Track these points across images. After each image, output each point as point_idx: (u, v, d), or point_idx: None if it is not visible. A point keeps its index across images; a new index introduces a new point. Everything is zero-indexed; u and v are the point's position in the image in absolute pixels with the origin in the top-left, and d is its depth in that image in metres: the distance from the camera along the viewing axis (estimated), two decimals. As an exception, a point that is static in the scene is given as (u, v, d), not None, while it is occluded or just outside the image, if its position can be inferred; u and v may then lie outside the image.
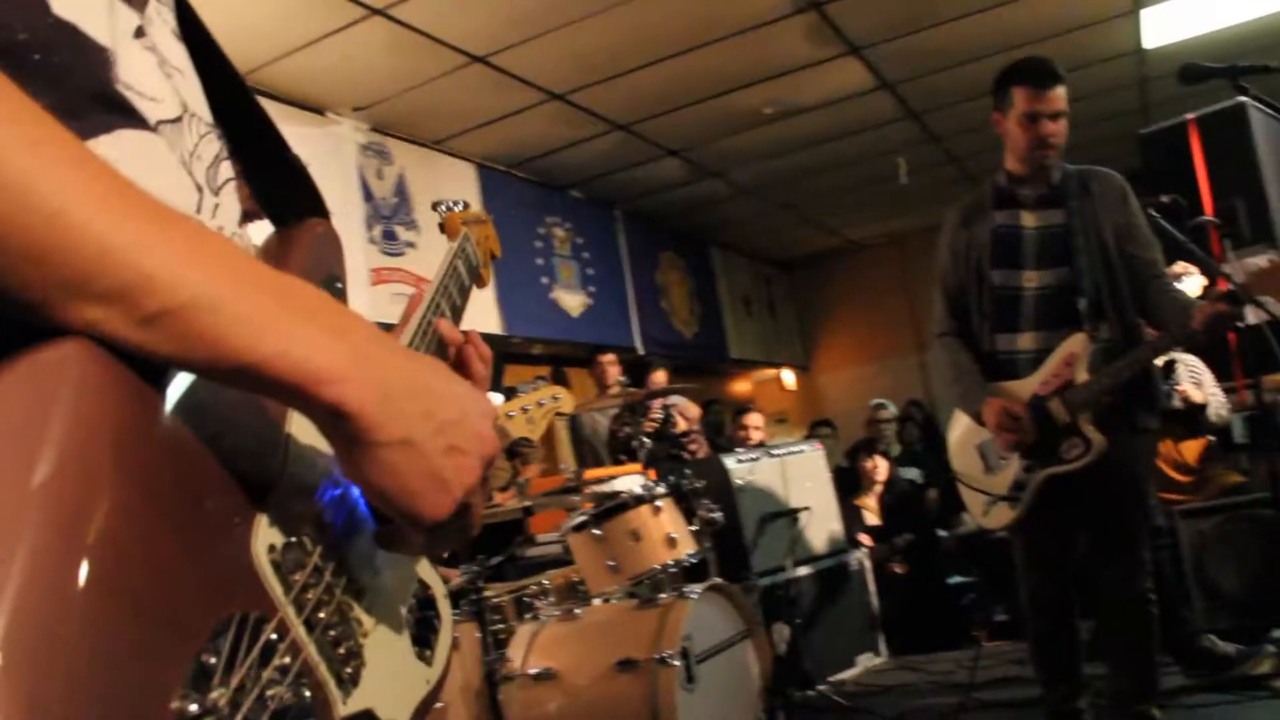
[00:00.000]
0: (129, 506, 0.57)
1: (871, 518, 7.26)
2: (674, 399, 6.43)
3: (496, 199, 7.83)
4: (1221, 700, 3.91)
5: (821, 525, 6.02)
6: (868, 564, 6.30)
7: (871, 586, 6.25)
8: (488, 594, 3.42)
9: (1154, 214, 4.09)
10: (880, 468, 7.30)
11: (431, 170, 7.40)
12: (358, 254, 6.43)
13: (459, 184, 7.62)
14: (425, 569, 0.97)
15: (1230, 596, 4.63)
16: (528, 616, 3.57)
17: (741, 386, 12.99)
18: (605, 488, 4.09)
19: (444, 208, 1.54)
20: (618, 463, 5.44)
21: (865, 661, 5.94)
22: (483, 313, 7.33)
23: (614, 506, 3.56)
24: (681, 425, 6.38)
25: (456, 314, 1.21)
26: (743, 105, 7.60)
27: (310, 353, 0.65)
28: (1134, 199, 3.41)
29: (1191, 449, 5.08)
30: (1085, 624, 3.43)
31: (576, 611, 3.45)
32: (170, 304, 0.60)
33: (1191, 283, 4.74)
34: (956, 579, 7.23)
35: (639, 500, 3.55)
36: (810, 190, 10.02)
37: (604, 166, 8.53)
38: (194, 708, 0.58)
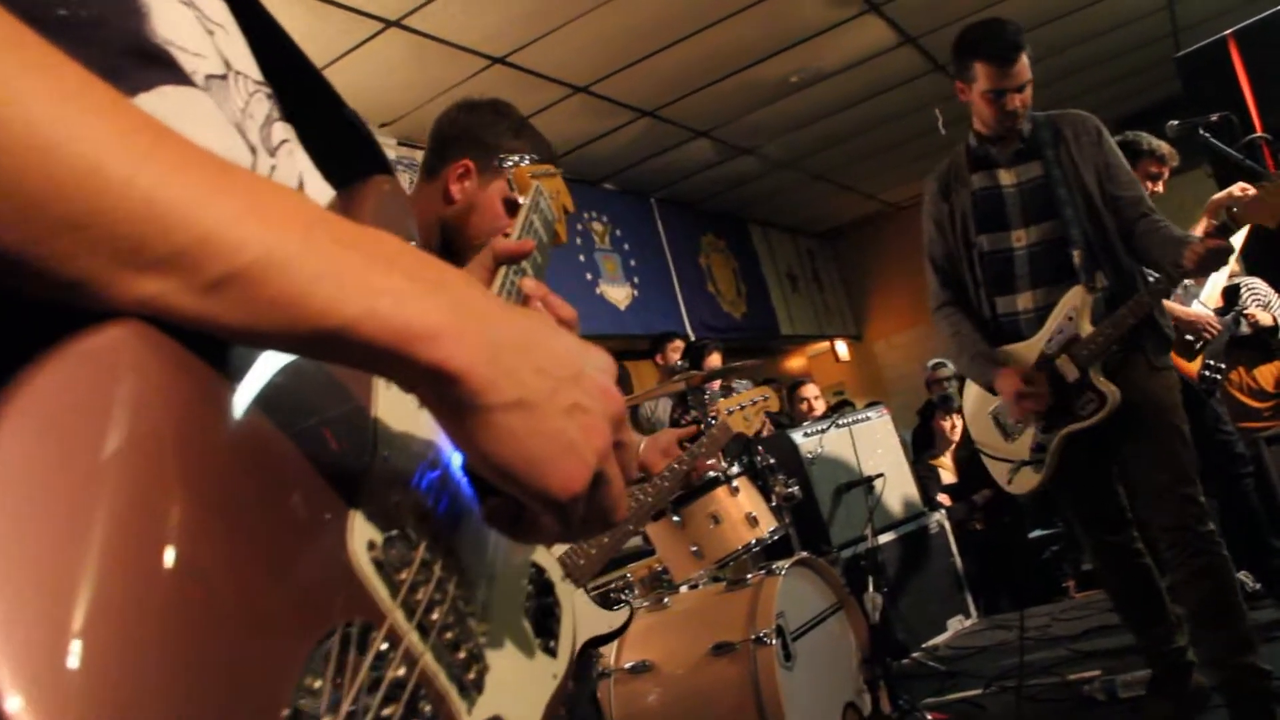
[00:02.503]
0: (204, 514, 0.48)
1: (948, 476, 7.16)
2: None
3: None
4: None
5: (897, 490, 5.95)
6: (948, 525, 6.19)
7: (954, 547, 6.15)
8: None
9: (1206, 134, 3.97)
10: (957, 426, 7.19)
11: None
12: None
13: (492, 189, 7.59)
14: (541, 553, 0.88)
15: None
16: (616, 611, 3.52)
17: (796, 362, 12.90)
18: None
19: (511, 162, 1.46)
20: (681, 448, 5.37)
21: (956, 624, 5.84)
22: (531, 315, 7.29)
23: (691, 491, 3.49)
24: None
25: (539, 273, 1.12)
26: (767, 77, 7.50)
27: (402, 308, 0.55)
28: (1109, 138, 3.31)
29: (1267, 373, 4.94)
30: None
31: (665, 601, 3.40)
32: (235, 265, 0.50)
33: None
34: (1037, 532, 7.12)
35: (715, 482, 3.48)
36: (844, 156, 9.90)
37: (635, 155, 8.47)
38: None
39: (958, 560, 6.13)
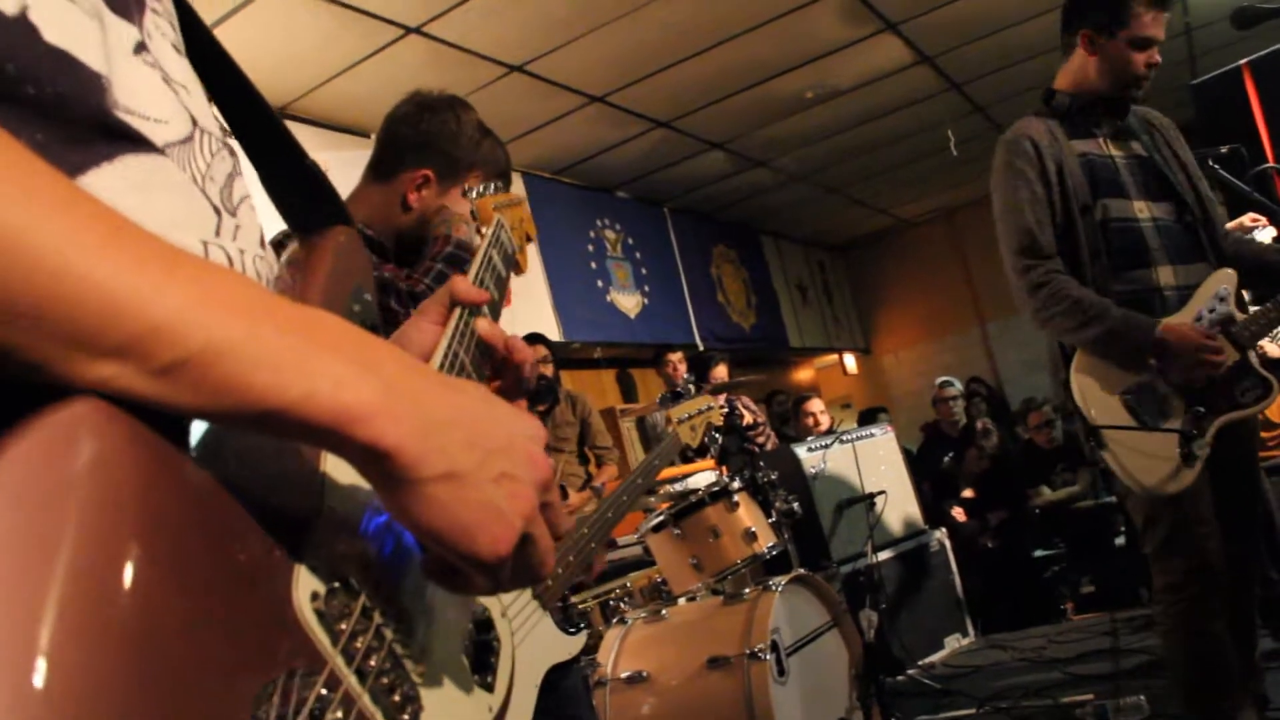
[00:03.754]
0: (157, 568, 0.52)
1: (966, 490, 7.22)
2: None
3: (545, 206, 7.85)
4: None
5: (898, 508, 5.97)
6: (948, 544, 6.22)
7: (954, 566, 6.18)
8: (573, 601, 3.42)
9: (1214, 165, 3.98)
10: (994, 436, 7.24)
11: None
12: (413, 273, 6.45)
13: (507, 194, 7.64)
14: None
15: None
16: (615, 620, 3.56)
17: (804, 374, 12.94)
18: (681, 486, 4.07)
19: (475, 193, 1.47)
20: (688, 461, 5.42)
21: (953, 642, 5.87)
22: (540, 320, 7.35)
23: (691, 505, 3.54)
24: (748, 418, 6.36)
25: (495, 309, 1.16)
26: (783, 92, 7.55)
27: (338, 390, 0.60)
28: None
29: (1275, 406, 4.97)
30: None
31: (663, 612, 3.44)
32: (184, 353, 0.55)
33: (1263, 235, 4.63)
34: (1040, 552, 7.14)
35: (715, 497, 3.52)
36: (857, 171, 9.95)
37: (649, 165, 8.53)
38: None
39: (957, 579, 6.16)
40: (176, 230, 0.70)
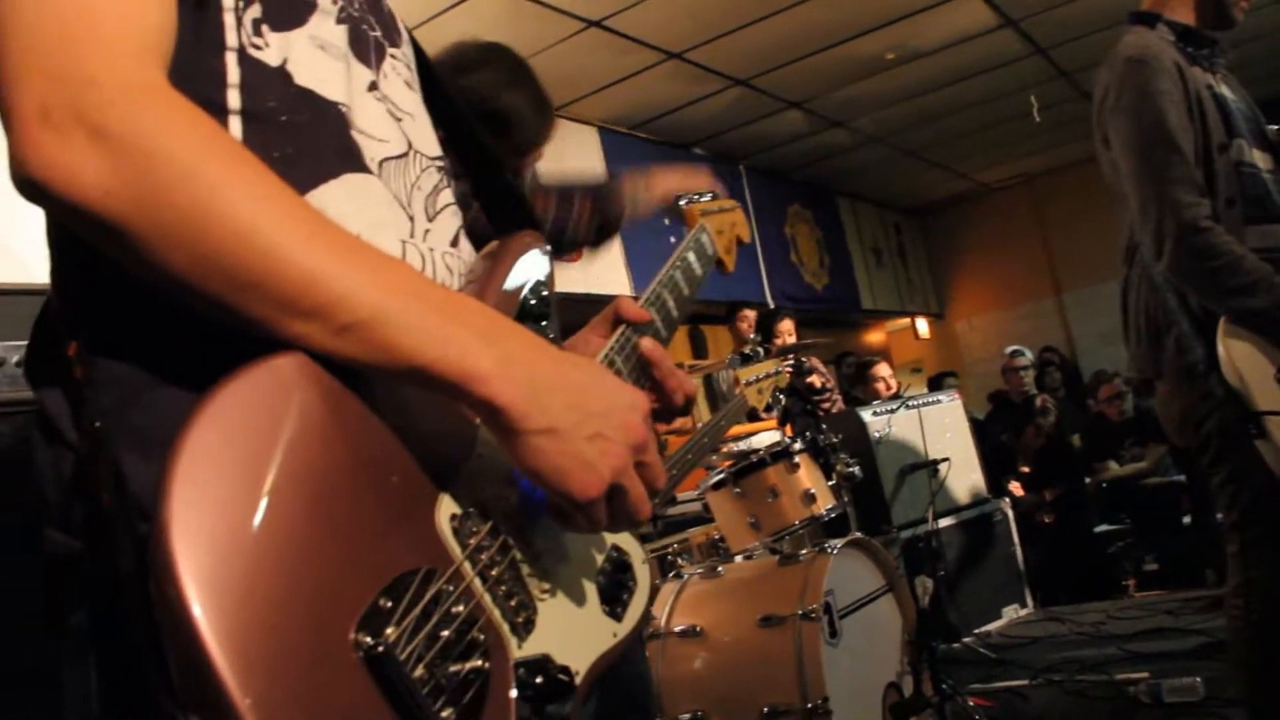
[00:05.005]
0: (338, 477, 0.75)
1: (1024, 464, 7.15)
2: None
3: (619, 161, 7.85)
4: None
5: (962, 476, 5.95)
6: (1011, 514, 6.18)
7: (1016, 537, 6.14)
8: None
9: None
10: (1052, 415, 7.16)
11: (554, 136, 7.46)
12: (487, 223, 6.53)
13: (582, 148, 7.68)
14: (625, 539, 1.08)
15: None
16: (671, 575, 3.62)
17: (875, 337, 12.85)
18: (743, 445, 4.10)
19: (685, 200, 1.58)
20: (755, 420, 5.44)
21: (1011, 613, 5.85)
22: (613, 275, 7.37)
23: (752, 464, 3.57)
24: (817, 381, 6.36)
25: (682, 301, 1.30)
26: (863, 52, 7.46)
27: (463, 356, 0.79)
28: None
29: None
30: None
31: (719, 569, 3.48)
32: (356, 318, 0.75)
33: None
34: (1103, 527, 7.07)
35: (776, 457, 3.55)
36: (937, 134, 9.80)
37: (726, 122, 8.48)
38: (368, 640, 0.71)
39: (1018, 550, 6.12)
40: (380, 231, 0.93)
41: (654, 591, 3.47)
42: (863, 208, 11.86)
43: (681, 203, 1.57)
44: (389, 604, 0.73)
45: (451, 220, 1.08)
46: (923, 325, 12.90)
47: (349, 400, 0.80)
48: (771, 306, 8.86)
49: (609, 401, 0.87)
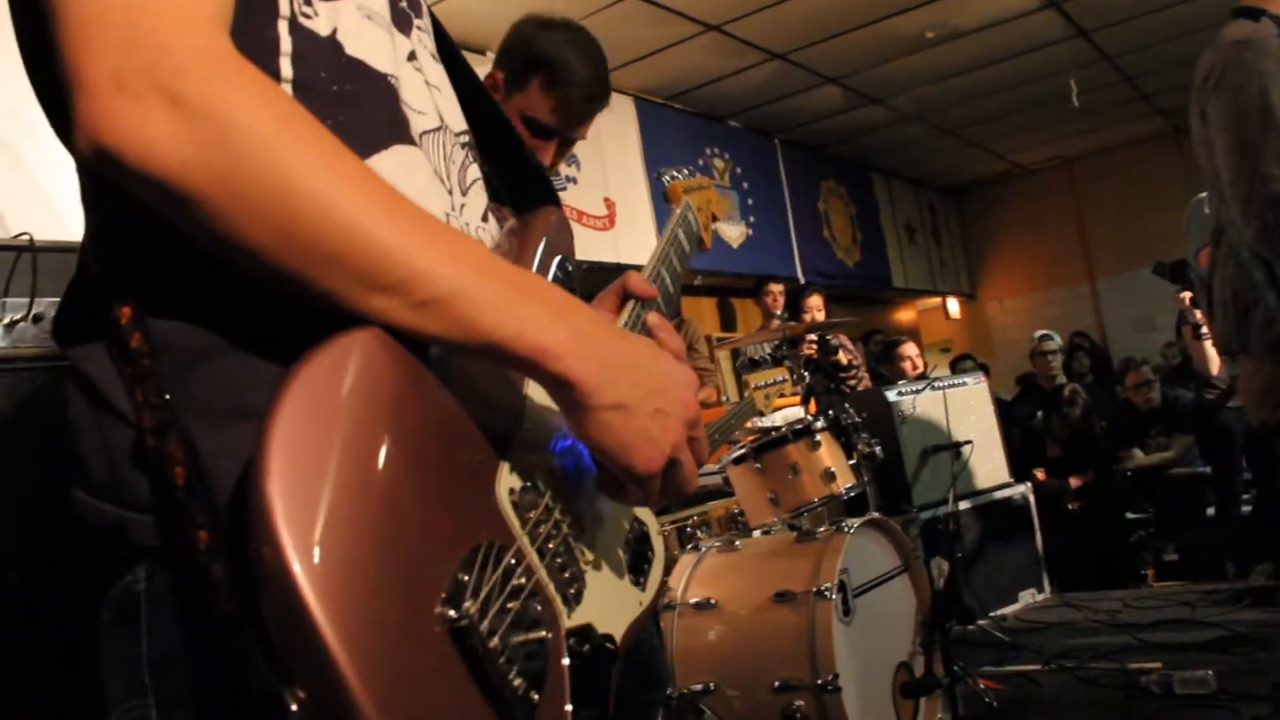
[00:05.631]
0: (404, 450, 0.75)
1: (1053, 449, 7.13)
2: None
3: (655, 131, 7.85)
4: None
5: (985, 459, 5.93)
6: (1032, 499, 6.17)
7: (1037, 522, 6.14)
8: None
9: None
10: (1079, 405, 7.12)
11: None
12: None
13: (618, 117, 7.67)
14: (643, 509, 1.12)
15: None
16: (689, 547, 3.65)
17: (905, 315, 12.81)
18: (765, 421, 4.12)
19: (667, 177, 1.61)
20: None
21: (1028, 597, 5.86)
22: (644, 245, 7.39)
23: (773, 440, 3.59)
24: (844, 359, 6.36)
25: (676, 279, 1.33)
26: (903, 30, 7.42)
27: (539, 332, 0.80)
28: None
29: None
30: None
31: (736, 543, 3.50)
32: (435, 293, 0.76)
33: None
34: (1128, 515, 7.05)
35: (797, 434, 3.57)
36: (975, 114, 9.74)
37: (762, 96, 8.45)
38: (453, 613, 0.74)
39: (1038, 535, 6.11)
40: (426, 204, 0.89)
41: (670, 562, 3.52)
42: (897, 185, 11.80)
43: (665, 179, 1.59)
44: (465, 577, 0.76)
45: (480, 195, 1.09)
46: (954, 305, 12.85)
47: (424, 375, 0.81)
48: (802, 282, 8.85)
49: (668, 378, 0.90)
